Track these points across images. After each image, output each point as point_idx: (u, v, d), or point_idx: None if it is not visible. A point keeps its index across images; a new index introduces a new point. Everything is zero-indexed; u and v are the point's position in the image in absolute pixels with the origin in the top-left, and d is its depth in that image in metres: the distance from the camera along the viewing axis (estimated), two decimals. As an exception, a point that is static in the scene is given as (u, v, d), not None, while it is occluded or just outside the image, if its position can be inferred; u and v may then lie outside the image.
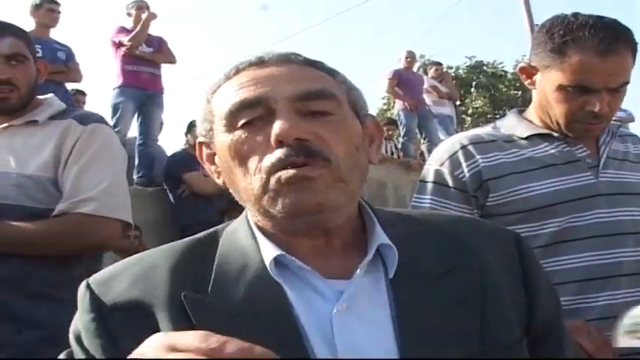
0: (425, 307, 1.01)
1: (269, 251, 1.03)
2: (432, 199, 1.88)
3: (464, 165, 1.86)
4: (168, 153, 7.02)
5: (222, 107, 1.05)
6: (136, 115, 6.95)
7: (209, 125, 1.09)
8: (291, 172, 0.98)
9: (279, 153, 0.98)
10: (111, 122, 6.58)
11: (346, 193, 1.02)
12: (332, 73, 1.11)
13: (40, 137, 2.18)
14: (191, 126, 6.86)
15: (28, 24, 6.17)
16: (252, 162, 1.01)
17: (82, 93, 8.01)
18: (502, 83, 26.05)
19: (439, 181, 1.89)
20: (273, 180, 0.99)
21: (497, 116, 21.56)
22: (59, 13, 6.42)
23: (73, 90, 7.00)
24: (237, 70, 1.07)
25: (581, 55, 1.73)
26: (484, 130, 1.98)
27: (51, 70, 5.96)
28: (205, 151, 1.14)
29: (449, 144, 1.94)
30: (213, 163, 1.13)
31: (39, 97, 2.33)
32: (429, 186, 1.91)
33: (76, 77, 6.62)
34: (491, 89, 25.56)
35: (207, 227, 1.14)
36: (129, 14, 6.98)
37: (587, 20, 1.76)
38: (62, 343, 1.08)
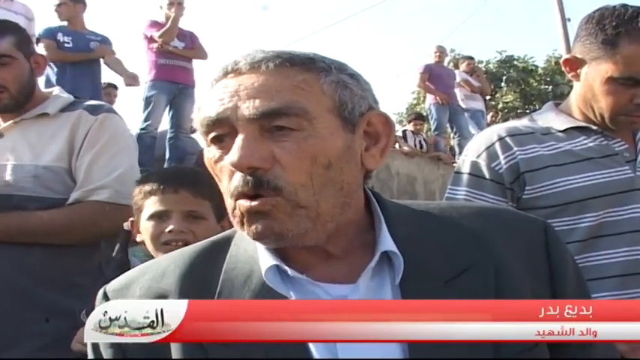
0: None
1: (265, 260, 1.02)
2: (467, 191, 1.87)
3: (501, 157, 1.84)
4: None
5: (198, 121, 1.02)
6: (168, 108, 6.97)
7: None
8: (244, 205, 0.97)
9: (235, 181, 0.97)
10: (143, 115, 6.64)
11: (309, 219, 0.97)
12: (319, 70, 1.01)
13: (53, 129, 2.22)
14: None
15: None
16: (223, 182, 1.01)
17: (114, 87, 7.99)
18: (533, 78, 25.81)
19: (475, 172, 1.87)
20: (237, 207, 0.99)
21: (528, 111, 21.34)
22: (83, 4, 6.38)
23: (105, 83, 7.04)
24: (216, 79, 1.02)
25: (635, 47, 1.72)
26: (521, 123, 1.96)
27: (84, 58, 6.06)
28: None
29: (486, 135, 1.93)
30: None
31: (45, 90, 2.37)
32: (465, 177, 1.89)
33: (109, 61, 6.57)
34: (522, 84, 25.35)
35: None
36: (161, 7, 6.99)
37: (637, 11, 1.74)
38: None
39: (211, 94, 1.01)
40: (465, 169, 1.90)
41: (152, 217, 1.93)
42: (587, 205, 1.76)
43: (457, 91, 10.10)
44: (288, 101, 0.96)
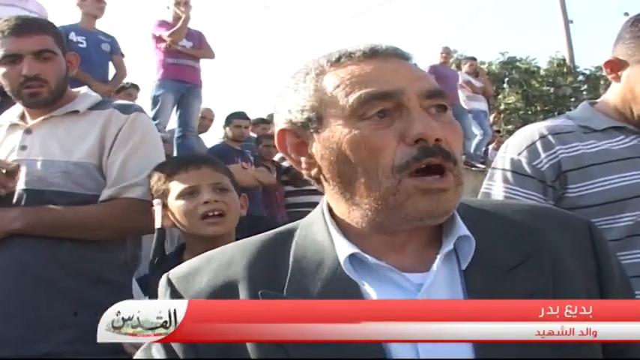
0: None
1: (343, 248, 1.02)
2: (506, 187, 1.87)
3: (542, 155, 1.85)
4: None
5: (345, 96, 1.00)
6: (175, 107, 6.99)
7: (314, 114, 1.04)
8: (427, 183, 0.97)
9: (416, 151, 0.97)
10: (150, 114, 6.64)
11: (460, 195, 1.01)
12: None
13: (84, 126, 2.25)
14: (229, 119, 6.93)
15: (74, 15, 6.27)
16: (384, 158, 0.97)
17: (136, 87, 7.66)
18: (535, 79, 25.71)
19: (516, 169, 1.88)
20: (407, 184, 0.97)
21: (530, 112, 21.28)
22: (105, 3, 6.35)
23: (128, 83, 7.05)
24: (349, 58, 1.04)
25: None
26: (560, 122, 1.96)
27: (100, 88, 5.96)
28: (292, 140, 1.08)
29: (526, 133, 1.93)
30: (302, 153, 1.08)
31: (73, 89, 2.40)
32: (504, 174, 1.90)
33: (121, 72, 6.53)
34: (524, 85, 25.26)
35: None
36: (168, 7, 6.98)
37: None
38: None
39: (352, 73, 1.02)
40: (505, 165, 1.91)
41: (182, 195, 2.03)
42: (626, 205, 1.78)
43: (460, 92, 10.15)
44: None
